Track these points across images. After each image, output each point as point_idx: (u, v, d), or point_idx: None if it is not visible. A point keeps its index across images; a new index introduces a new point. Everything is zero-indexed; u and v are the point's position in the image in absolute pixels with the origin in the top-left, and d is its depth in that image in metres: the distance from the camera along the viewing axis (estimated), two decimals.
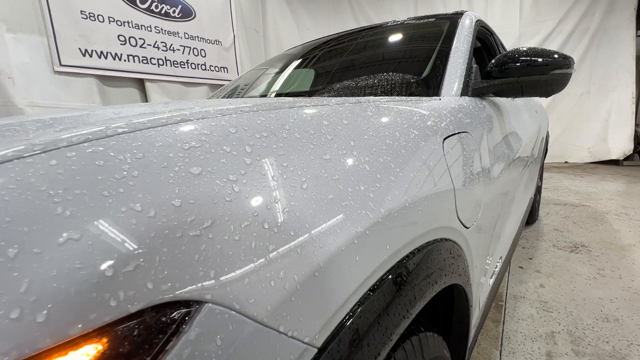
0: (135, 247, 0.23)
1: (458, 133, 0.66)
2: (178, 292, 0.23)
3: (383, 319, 0.35)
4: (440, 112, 0.68)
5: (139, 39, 3.52)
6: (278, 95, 1.41)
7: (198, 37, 4.08)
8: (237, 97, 1.52)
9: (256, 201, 0.30)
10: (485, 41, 1.64)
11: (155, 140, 0.32)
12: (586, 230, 2.48)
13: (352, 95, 1.00)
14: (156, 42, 3.67)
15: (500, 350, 1.28)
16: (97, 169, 0.26)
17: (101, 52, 3.23)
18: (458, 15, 1.33)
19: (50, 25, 2.87)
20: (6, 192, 0.23)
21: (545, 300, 1.61)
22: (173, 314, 0.22)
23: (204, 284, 0.24)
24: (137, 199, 0.25)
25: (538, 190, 2.84)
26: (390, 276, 0.37)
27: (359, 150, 0.42)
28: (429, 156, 0.52)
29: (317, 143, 0.40)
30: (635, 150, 5.29)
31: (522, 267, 1.95)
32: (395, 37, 1.43)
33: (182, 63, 3.94)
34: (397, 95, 0.94)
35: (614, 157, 5.24)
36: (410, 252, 0.41)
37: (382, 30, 1.50)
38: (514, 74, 0.93)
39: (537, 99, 2.87)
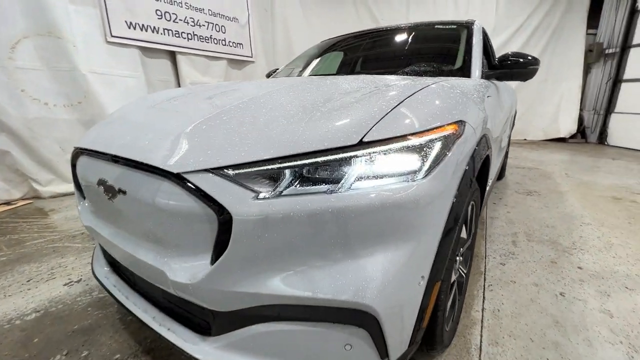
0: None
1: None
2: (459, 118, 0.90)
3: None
4: (469, 85, 1.37)
5: (172, 13, 3.84)
6: (363, 72, 2.05)
7: (219, 14, 4.43)
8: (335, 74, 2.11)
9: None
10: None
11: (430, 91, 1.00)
12: (538, 183, 3.39)
13: (421, 75, 1.66)
14: (186, 17, 4.00)
15: (485, 239, 2.07)
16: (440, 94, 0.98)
17: (142, 25, 3.55)
18: (470, 23, 2.00)
19: None
20: (430, 94, 0.95)
21: (510, 219, 2.43)
22: (461, 125, 0.89)
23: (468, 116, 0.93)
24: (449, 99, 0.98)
25: (506, 154, 3.70)
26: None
27: (443, 93, 1.10)
28: (464, 99, 1.21)
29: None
30: (578, 130, 6.43)
31: (495, 203, 2.78)
32: (434, 36, 2.10)
33: (206, 38, 4.30)
34: (445, 75, 1.61)
35: (562, 136, 6.36)
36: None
37: (428, 28, 2.14)
38: (508, 67, 1.64)
39: (509, 84, 3.71)
